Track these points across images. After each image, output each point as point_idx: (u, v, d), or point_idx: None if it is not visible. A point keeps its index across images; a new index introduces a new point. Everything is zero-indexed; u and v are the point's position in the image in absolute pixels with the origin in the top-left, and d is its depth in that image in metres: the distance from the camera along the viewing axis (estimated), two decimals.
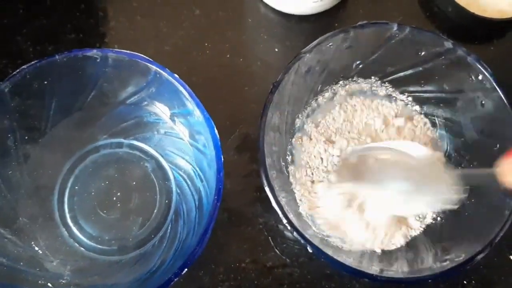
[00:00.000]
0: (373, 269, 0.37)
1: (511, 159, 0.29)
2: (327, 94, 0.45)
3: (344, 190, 0.41)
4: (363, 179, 0.40)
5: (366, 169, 0.41)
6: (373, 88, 0.45)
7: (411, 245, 0.41)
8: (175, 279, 0.34)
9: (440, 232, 0.41)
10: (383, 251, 0.41)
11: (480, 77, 0.39)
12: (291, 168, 0.43)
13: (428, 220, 0.42)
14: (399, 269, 0.38)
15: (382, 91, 0.45)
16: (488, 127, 0.40)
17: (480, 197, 0.39)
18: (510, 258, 0.43)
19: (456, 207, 0.37)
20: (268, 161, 0.37)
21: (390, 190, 0.39)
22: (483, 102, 0.39)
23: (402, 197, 0.39)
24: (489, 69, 0.38)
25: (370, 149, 0.41)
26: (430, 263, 0.37)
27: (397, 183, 0.39)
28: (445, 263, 0.36)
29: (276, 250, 0.43)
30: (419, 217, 0.42)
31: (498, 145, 0.39)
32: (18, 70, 0.38)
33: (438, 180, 0.37)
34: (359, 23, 0.40)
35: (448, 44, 0.39)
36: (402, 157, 0.39)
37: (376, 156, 0.41)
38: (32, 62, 0.38)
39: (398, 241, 0.41)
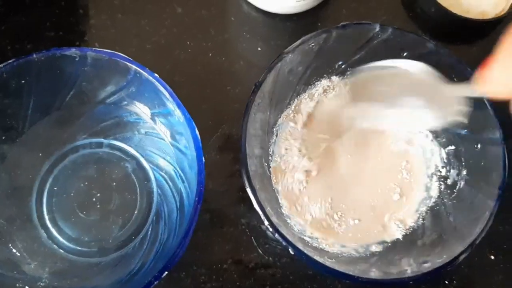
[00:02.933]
0: (355, 270, 0.37)
1: (485, 69, 0.30)
2: (309, 94, 0.45)
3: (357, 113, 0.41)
4: (374, 99, 0.40)
5: (373, 90, 0.41)
6: None
7: (392, 246, 0.41)
8: (156, 282, 0.34)
9: (422, 233, 0.41)
10: (364, 252, 0.41)
11: (462, 77, 0.39)
12: (273, 167, 0.43)
13: (410, 223, 0.42)
14: (380, 271, 0.38)
15: None
16: (469, 127, 0.40)
17: (461, 199, 0.39)
18: (491, 258, 0.43)
19: (465, 119, 0.37)
20: (250, 161, 0.37)
21: (400, 107, 0.39)
22: None
23: (413, 113, 0.39)
24: (470, 71, 0.38)
25: (372, 68, 0.40)
26: (412, 264, 0.37)
27: (406, 98, 0.39)
28: (426, 265, 0.36)
29: (259, 250, 0.43)
30: (400, 223, 0.42)
31: (479, 145, 0.39)
32: None
33: (442, 93, 0.37)
34: (342, 23, 0.40)
35: (431, 45, 0.39)
36: (404, 75, 0.39)
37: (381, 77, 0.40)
38: (9, 61, 0.37)
39: (379, 241, 0.41)
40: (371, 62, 0.39)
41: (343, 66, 0.43)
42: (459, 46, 0.51)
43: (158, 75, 0.38)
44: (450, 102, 0.35)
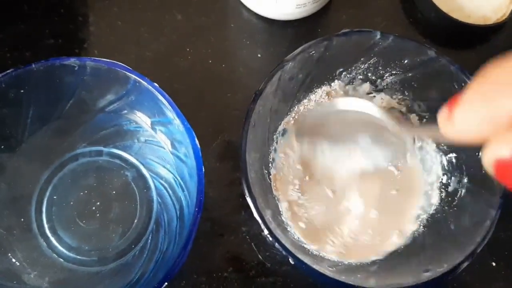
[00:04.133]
0: (355, 279, 0.37)
1: (449, 109, 0.28)
2: (309, 100, 0.45)
3: (303, 146, 0.41)
4: (322, 135, 0.40)
5: (323, 127, 0.40)
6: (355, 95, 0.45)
7: (393, 255, 0.41)
8: None
9: (422, 242, 0.40)
10: (364, 261, 0.40)
11: (463, 86, 0.39)
12: (273, 174, 0.43)
13: (410, 231, 0.42)
14: (380, 279, 0.37)
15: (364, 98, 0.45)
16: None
17: (461, 207, 0.39)
18: (492, 265, 0.43)
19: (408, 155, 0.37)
20: (250, 169, 0.37)
21: (349, 144, 0.39)
22: None
23: (361, 151, 0.39)
24: (472, 79, 0.38)
25: (325, 107, 0.41)
26: (412, 273, 0.37)
27: (357, 137, 0.38)
28: (427, 274, 0.36)
29: (260, 257, 0.43)
30: (400, 231, 0.42)
31: (480, 153, 0.39)
32: None
33: (392, 133, 0.36)
34: (342, 31, 0.40)
35: (432, 53, 0.39)
36: (358, 115, 0.38)
37: (333, 115, 0.40)
38: (8, 71, 0.37)
39: (379, 251, 0.41)
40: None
41: (343, 73, 0.43)
42: (459, 51, 0.50)
43: (158, 82, 0.38)
44: (402, 141, 0.35)
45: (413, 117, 0.44)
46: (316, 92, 0.44)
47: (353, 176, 0.42)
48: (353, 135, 0.39)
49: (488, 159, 0.24)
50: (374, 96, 0.45)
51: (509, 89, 0.23)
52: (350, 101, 0.38)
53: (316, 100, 0.44)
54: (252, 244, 0.43)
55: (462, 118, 0.25)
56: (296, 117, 0.44)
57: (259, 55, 0.49)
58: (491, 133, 0.24)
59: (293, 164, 0.43)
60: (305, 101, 0.44)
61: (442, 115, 0.27)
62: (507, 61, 0.24)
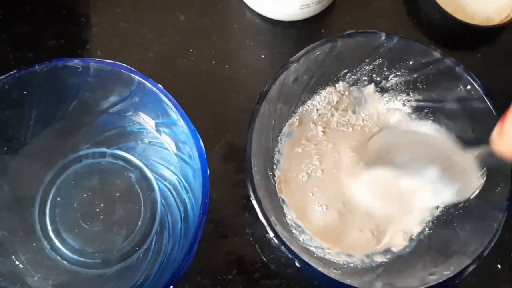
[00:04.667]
0: (360, 282, 0.37)
1: (500, 126, 0.28)
2: (312, 102, 0.45)
3: (371, 178, 0.40)
4: (388, 165, 0.39)
5: (392, 154, 0.39)
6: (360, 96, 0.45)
7: (398, 257, 0.40)
8: None
9: (428, 245, 0.40)
10: (370, 263, 0.40)
11: (468, 87, 0.39)
12: (277, 176, 0.43)
13: (416, 234, 0.41)
14: (386, 282, 0.37)
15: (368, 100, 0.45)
16: (476, 137, 0.39)
17: (468, 209, 0.39)
18: (498, 267, 0.43)
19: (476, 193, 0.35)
20: (254, 171, 0.37)
21: (421, 177, 0.37)
22: (471, 112, 0.39)
23: (432, 185, 0.37)
24: (477, 80, 0.38)
25: (393, 132, 0.40)
26: (418, 276, 0.37)
27: (428, 168, 0.36)
28: (433, 277, 0.36)
29: (264, 259, 0.43)
30: (406, 234, 0.42)
31: None
32: None
33: (460, 163, 0.35)
34: (347, 32, 0.39)
35: (436, 54, 0.39)
36: (425, 141, 0.37)
37: (400, 141, 0.39)
38: (11, 72, 0.37)
39: (385, 252, 0.41)
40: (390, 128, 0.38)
41: (348, 74, 0.43)
42: (463, 52, 0.50)
43: (161, 83, 0.38)
44: (468, 173, 0.34)
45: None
46: (320, 93, 0.44)
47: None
48: (419, 164, 0.37)
49: None
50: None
51: None
52: (416, 124, 0.37)
53: (320, 101, 0.44)
54: (257, 246, 0.43)
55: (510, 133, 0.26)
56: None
57: (262, 56, 0.49)
58: None
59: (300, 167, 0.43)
60: (309, 102, 0.44)
61: (494, 131, 0.27)
62: None
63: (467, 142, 0.36)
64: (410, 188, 0.38)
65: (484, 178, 0.33)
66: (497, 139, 0.28)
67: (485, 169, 0.34)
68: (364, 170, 0.41)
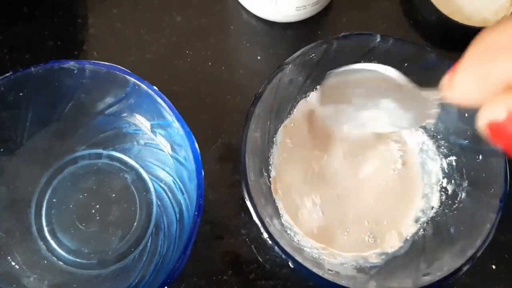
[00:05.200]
0: (355, 282, 0.37)
1: (450, 74, 0.28)
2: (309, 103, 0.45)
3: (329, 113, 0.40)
4: (344, 100, 0.39)
5: (347, 91, 0.39)
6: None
7: (392, 258, 0.41)
8: None
9: (422, 245, 0.40)
10: (364, 264, 0.40)
11: None
12: (273, 177, 0.43)
13: (410, 234, 0.42)
14: (380, 283, 0.37)
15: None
16: (472, 139, 0.39)
17: (462, 210, 0.39)
18: (492, 268, 0.43)
19: (433, 121, 0.37)
20: (249, 172, 0.37)
21: (374, 108, 0.38)
22: (466, 115, 0.39)
23: (386, 115, 0.38)
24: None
25: (347, 72, 0.39)
26: (412, 277, 0.37)
27: (382, 100, 0.37)
28: (427, 277, 0.36)
29: (260, 260, 0.43)
30: (399, 234, 0.42)
31: (480, 156, 0.39)
32: None
33: (415, 96, 0.35)
34: (342, 33, 0.39)
35: (432, 56, 0.39)
36: (378, 78, 0.37)
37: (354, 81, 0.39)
38: (7, 74, 0.37)
39: (379, 253, 0.41)
40: (344, 66, 0.38)
41: None
42: (460, 54, 0.50)
43: (157, 84, 0.38)
44: (423, 105, 0.35)
45: None
46: (315, 95, 0.44)
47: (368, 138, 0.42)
48: (376, 99, 0.38)
49: (482, 121, 0.25)
50: None
51: (503, 52, 0.24)
52: (370, 66, 0.37)
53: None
54: (252, 246, 0.43)
55: (460, 82, 0.27)
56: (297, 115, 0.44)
57: (258, 57, 0.49)
58: (488, 96, 0.24)
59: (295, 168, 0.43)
60: (304, 103, 0.44)
61: (444, 80, 0.28)
62: (501, 25, 0.24)
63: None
64: (367, 118, 0.39)
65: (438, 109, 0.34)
66: (446, 87, 0.28)
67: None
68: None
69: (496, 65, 0.24)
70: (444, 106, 0.37)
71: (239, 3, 0.50)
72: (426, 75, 0.40)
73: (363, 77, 0.37)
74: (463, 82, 0.26)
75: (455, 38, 0.50)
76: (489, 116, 0.24)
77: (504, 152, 0.26)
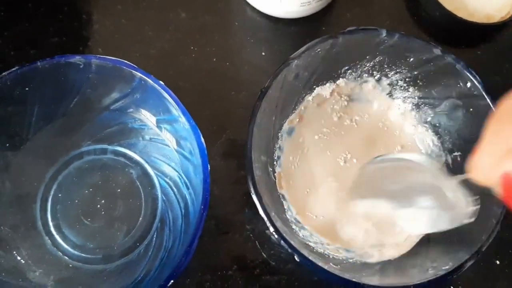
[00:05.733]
0: (360, 277, 0.37)
1: (473, 156, 0.28)
2: (313, 97, 0.45)
3: (364, 209, 0.40)
4: (381, 195, 0.38)
5: (383, 183, 0.39)
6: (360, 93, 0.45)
7: (398, 252, 0.41)
8: None
9: (427, 241, 0.40)
10: (369, 260, 0.41)
11: (468, 84, 0.39)
12: (278, 172, 0.43)
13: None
14: (385, 277, 0.38)
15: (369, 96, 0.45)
16: (476, 134, 0.39)
17: None
18: (496, 263, 0.43)
19: (473, 219, 0.34)
20: (255, 167, 0.37)
21: (414, 206, 0.36)
22: (471, 109, 0.39)
23: (425, 214, 0.36)
24: (477, 77, 0.38)
25: (382, 161, 0.39)
26: (417, 271, 0.37)
27: (420, 198, 0.36)
28: (431, 271, 0.36)
29: (264, 255, 0.43)
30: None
31: None
32: None
33: (449, 190, 0.35)
34: (348, 28, 0.40)
35: (437, 51, 0.39)
36: (412, 168, 0.37)
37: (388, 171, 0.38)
38: (13, 69, 0.37)
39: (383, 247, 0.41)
40: (378, 157, 0.37)
41: (348, 71, 0.43)
42: (463, 50, 0.50)
43: (162, 80, 0.38)
44: (458, 199, 0.34)
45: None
46: (320, 90, 0.44)
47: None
48: (414, 197, 0.36)
49: (496, 175, 0.25)
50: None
51: None
52: (401, 155, 0.37)
53: (321, 98, 0.45)
54: (257, 242, 0.43)
55: (482, 162, 0.27)
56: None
57: (263, 53, 0.49)
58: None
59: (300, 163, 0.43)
60: (309, 98, 0.44)
61: (469, 162, 0.28)
62: None
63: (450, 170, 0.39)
64: (405, 217, 0.37)
65: (478, 203, 0.34)
66: (472, 169, 0.28)
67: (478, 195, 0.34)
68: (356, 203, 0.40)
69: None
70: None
71: None
72: (431, 69, 0.41)
73: (397, 170, 0.37)
74: (485, 160, 0.27)
75: (459, 34, 0.50)
76: (503, 168, 0.25)
77: None
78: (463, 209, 0.33)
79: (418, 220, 0.36)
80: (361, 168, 0.39)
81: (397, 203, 0.37)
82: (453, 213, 0.34)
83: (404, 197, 0.37)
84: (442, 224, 0.35)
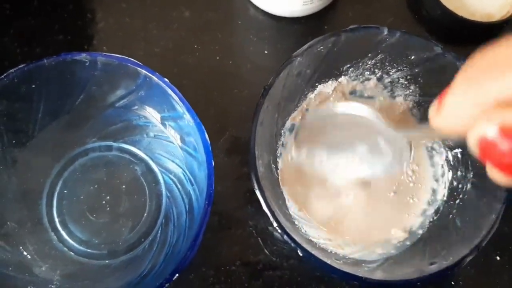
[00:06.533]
0: (362, 271, 0.38)
1: (437, 101, 0.27)
2: (315, 95, 0.45)
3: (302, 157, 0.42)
4: (320, 143, 0.41)
5: (321, 134, 0.41)
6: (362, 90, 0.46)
7: (399, 248, 0.41)
8: (167, 285, 0.34)
9: (428, 236, 0.41)
10: (371, 255, 0.41)
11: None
12: (280, 169, 0.43)
13: (416, 225, 0.42)
14: (387, 272, 0.38)
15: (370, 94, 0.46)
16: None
17: (467, 201, 0.40)
18: (497, 259, 0.44)
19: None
20: (258, 164, 0.38)
21: (347, 152, 0.40)
22: None
23: (359, 160, 0.39)
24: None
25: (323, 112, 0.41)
26: (418, 266, 0.37)
27: (355, 145, 0.39)
28: (432, 266, 0.36)
29: (266, 251, 0.43)
30: (406, 225, 0.42)
31: None
32: (5, 74, 0.37)
33: (389, 139, 0.37)
34: (350, 27, 0.40)
35: (438, 49, 0.39)
36: (355, 119, 0.39)
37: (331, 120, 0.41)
38: (20, 66, 0.38)
39: (385, 243, 0.42)
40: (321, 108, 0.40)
41: (350, 69, 0.44)
42: (464, 48, 0.51)
43: (166, 78, 0.39)
44: (399, 150, 0.35)
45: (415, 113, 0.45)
46: (322, 87, 0.45)
47: (351, 184, 0.43)
48: (351, 142, 0.39)
49: (474, 137, 0.24)
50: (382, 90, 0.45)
51: (492, 73, 0.23)
52: (347, 105, 0.39)
53: (323, 95, 0.45)
54: (259, 238, 0.44)
55: (450, 107, 0.25)
56: (302, 112, 0.45)
57: (265, 52, 0.50)
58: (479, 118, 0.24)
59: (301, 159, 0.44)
60: (311, 96, 0.45)
61: (433, 107, 0.27)
62: (490, 48, 0.24)
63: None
64: (344, 163, 0.41)
65: (412, 152, 0.34)
66: (435, 115, 0.27)
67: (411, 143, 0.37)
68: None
69: (486, 86, 0.23)
70: None
71: None
72: (432, 67, 0.41)
73: (340, 120, 0.39)
74: (453, 107, 0.25)
75: (460, 33, 0.51)
76: (480, 132, 0.23)
77: (491, 171, 0.26)
78: (401, 157, 0.35)
79: (354, 164, 0.40)
80: (306, 117, 0.41)
81: (333, 151, 0.40)
82: (389, 160, 0.37)
83: (341, 145, 0.40)
84: (376, 169, 0.39)
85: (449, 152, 0.43)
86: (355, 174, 0.42)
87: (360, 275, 0.36)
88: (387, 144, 0.37)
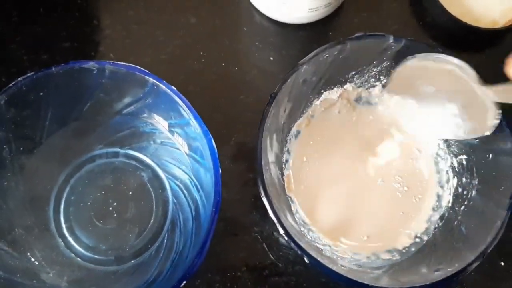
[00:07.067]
0: (367, 278, 0.38)
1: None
2: (321, 102, 0.45)
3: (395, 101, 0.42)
4: (416, 94, 0.41)
5: (419, 85, 0.41)
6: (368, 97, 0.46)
7: (405, 255, 0.41)
8: None
9: (433, 242, 0.41)
10: (376, 261, 0.41)
11: None
12: (286, 175, 0.44)
13: (421, 232, 0.42)
14: (392, 279, 0.38)
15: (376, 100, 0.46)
16: (481, 138, 0.40)
17: (472, 208, 0.40)
18: (501, 265, 0.44)
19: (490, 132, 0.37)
20: (265, 170, 0.38)
21: (442, 110, 0.39)
22: None
23: (448, 120, 0.39)
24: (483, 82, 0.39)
25: (426, 58, 0.40)
26: (423, 272, 0.38)
27: (447, 104, 0.38)
28: (438, 273, 0.36)
29: (272, 257, 0.43)
30: (411, 232, 0.43)
31: (490, 155, 0.40)
32: (14, 82, 0.38)
33: (479, 100, 0.36)
34: (356, 34, 0.40)
35: None
36: (450, 75, 0.38)
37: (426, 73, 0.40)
38: (28, 74, 0.38)
39: (391, 250, 0.42)
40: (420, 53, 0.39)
41: (356, 76, 0.44)
42: (469, 55, 0.51)
43: (173, 84, 0.39)
44: (486, 110, 0.35)
45: None
46: (328, 94, 0.45)
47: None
48: (442, 98, 0.39)
49: None
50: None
51: None
52: (443, 57, 0.38)
53: (329, 102, 0.45)
54: (264, 244, 0.44)
55: None
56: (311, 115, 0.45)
57: (271, 58, 0.50)
58: None
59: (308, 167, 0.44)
60: (317, 103, 0.45)
61: (509, 57, 0.27)
62: None
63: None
64: (431, 121, 0.40)
65: (500, 117, 0.35)
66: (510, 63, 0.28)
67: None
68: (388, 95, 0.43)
69: None
70: None
71: (252, 5, 0.50)
72: None
73: (434, 71, 0.38)
74: None
75: (464, 39, 0.51)
76: None
77: None
78: (487, 121, 0.35)
79: (440, 125, 0.39)
80: (403, 63, 0.40)
81: (425, 105, 0.39)
82: (474, 123, 0.36)
83: (433, 101, 0.39)
84: (461, 133, 0.38)
85: (454, 159, 0.43)
86: (440, 134, 0.42)
87: (366, 282, 0.36)
88: (475, 104, 0.37)
